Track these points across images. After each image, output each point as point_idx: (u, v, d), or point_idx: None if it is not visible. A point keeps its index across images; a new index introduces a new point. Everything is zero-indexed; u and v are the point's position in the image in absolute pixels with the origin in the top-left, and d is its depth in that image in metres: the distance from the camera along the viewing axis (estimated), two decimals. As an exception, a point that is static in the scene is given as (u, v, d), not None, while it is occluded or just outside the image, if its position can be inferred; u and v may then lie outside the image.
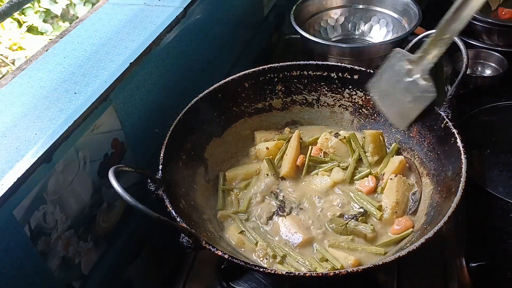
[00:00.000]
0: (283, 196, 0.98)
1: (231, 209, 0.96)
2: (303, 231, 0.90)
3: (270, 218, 0.93)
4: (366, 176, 0.99)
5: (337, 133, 1.08)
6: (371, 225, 0.90)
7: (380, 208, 0.92)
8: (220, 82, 1.02)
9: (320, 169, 1.02)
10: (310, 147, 1.04)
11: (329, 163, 1.03)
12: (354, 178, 1.00)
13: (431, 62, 0.89)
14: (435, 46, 0.88)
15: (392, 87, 0.97)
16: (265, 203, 0.97)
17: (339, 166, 1.01)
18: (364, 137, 1.05)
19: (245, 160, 1.07)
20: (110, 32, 0.95)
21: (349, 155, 1.04)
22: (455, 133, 0.88)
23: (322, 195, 0.97)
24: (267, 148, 1.03)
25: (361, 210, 0.93)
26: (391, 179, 0.96)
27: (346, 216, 0.92)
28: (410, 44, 1.01)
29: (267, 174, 1.00)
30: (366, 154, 1.03)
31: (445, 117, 0.92)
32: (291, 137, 1.06)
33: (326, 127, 1.13)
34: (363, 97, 1.08)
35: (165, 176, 0.83)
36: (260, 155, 1.05)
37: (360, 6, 1.46)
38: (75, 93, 0.80)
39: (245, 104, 1.08)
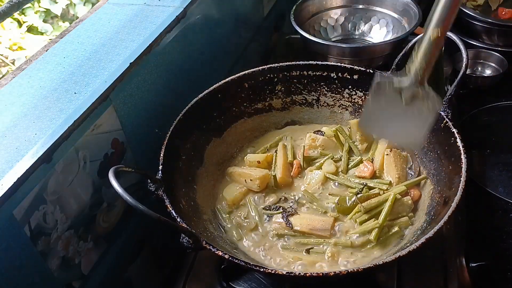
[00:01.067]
0: (283, 200, 0.97)
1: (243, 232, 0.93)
2: (324, 218, 0.91)
3: (287, 220, 0.92)
4: (359, 163, 1.00)
5: (319, 131, 1.08)
6: (383, 183, 0.93)
7: (390, 184, 0.94)
8: (220, 82, 1.02)
9: (312, 166, 1.02)
10: (302, 146, 1.05)
11: (322, 158, 1.03)
12: (348, 167, 1.01)
13: (423, 70, 0.79)
14: (420, 52, 0.79)
15: (387, 116, 0.87)
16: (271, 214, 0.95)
17: (332, 158, 1.02)
18: (350, 128, 1.06)
19: (244, 161, 1.06)
20: (110, 32, 0.95)
21: (339, 149, 1.05)
22: (455, 133, 0.88)
23: (319, 188, 0.97)
24: (259, 162, 1.02)
25: (360, 186, 0.94)
26: (387, 154, 0.97)
27: (348, 197, 0.92)
28: (410, 44, 1.01)
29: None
30: (355, 143, 1.05)
31: (445, 117, 0.92)
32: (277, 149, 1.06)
33: (309, 126, 1.13)
34: (363, 97, 1.08)
35: (165, 177, 0.83)
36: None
37: (360, 6, 1.46)
38: (75, 93, 0.80)
39: (245, 104, 1.08)
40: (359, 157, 1.02)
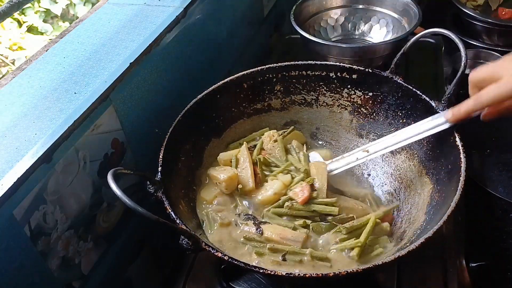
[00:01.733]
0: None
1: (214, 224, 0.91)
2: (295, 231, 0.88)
3: (258, 226, 0.89)
4: (300, 181, 0.94)
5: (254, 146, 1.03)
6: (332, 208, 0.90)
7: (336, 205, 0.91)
8: (218, 83, 1.02)
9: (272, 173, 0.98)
10: (259, 152, 1.01)
11: (279, 167, 0.99)
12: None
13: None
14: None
15: None
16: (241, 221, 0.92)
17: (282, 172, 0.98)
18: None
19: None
20: (110, 32, 0.95)
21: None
22: (454, 132, 0.89)
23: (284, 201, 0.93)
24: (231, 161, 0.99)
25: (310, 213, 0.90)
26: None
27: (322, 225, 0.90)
28: (409, 44, 1.01)
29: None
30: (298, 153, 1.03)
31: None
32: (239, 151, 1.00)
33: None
34: (362, 97, 1.08)
35: (164, 178, 0.83)
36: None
37: (360, 6, 1.46)
38: (75, 93, 0.80)
39: (244, 104, 1.08)
40: (302, 175, 0.95)
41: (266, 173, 0.98)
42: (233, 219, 0.92)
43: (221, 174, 0.94)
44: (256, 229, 0.88)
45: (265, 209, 0.92)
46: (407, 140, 0.93)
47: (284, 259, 0.83)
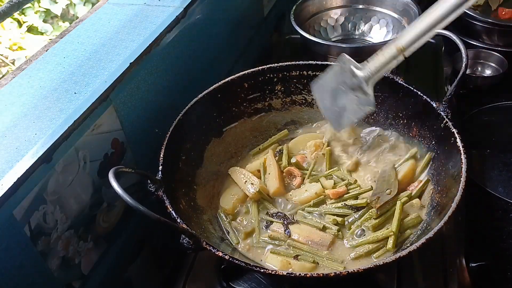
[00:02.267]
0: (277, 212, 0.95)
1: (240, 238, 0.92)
2: (324, 234, 0.89)
3: (287, 228, 0.90)
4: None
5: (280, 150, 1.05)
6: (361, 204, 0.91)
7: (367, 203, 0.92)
8: (219, 83, 1.02)
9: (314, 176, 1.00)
10: (288, 158, 1.03)
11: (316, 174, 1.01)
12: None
13: (374, 74, 0.90)
14: (384, 59, 0.89)
15: (334, 90, 0.96)
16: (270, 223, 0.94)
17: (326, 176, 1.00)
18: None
19: (244, 161, 1.07)
20: (110, 32, 0.95)
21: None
22: (455, 133, 0.88)
23: (315, 203, 0.95)
24: (259, 171, 1.01)
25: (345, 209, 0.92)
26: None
27: (348, 221, 0.91)
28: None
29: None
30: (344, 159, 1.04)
31: (445, 117, 0.92)
32: (265, 158, 1.03)
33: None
34: (363, 97, 1.07)
35: (165, 177, 0.83)
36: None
37: (360, 6, 1.46)
38: (75, 93, 0.80)
39: (244, 104, 1.08)
40: (347, 180, 0.98)
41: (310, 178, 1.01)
42: (257, 225, 0.93)
43: (256, 180, 0.97)
44: (285, 230, 0.90)
45: (298, 208, 0.94)
46: (444, 20, 0.82)
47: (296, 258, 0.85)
